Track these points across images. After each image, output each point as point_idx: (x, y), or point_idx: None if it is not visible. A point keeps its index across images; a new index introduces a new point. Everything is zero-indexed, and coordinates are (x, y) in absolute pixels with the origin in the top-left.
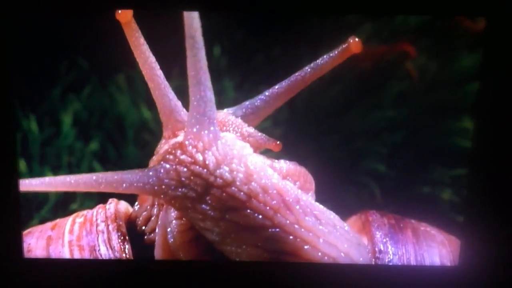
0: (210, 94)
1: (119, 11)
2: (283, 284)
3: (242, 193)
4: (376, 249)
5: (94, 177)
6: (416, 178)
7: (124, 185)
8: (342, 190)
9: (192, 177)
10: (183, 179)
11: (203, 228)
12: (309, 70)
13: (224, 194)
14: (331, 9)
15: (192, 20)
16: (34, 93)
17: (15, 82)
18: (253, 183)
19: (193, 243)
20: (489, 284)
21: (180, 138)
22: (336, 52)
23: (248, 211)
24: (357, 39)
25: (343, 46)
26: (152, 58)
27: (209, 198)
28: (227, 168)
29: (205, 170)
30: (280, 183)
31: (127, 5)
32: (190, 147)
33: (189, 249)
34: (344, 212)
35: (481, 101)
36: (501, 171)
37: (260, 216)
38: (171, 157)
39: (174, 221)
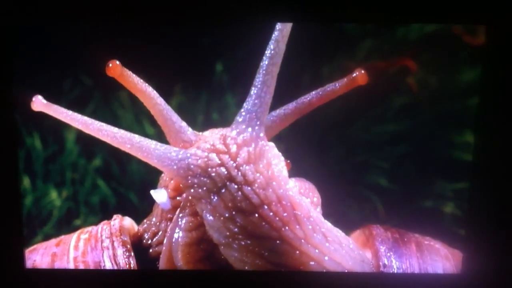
0: (268, 98)
1: (110, 65)
2: None
3: (256, 196)
4: (380, 263)
5: (130, 135)
6: (418, 192)
7: (154, 157)
8: (344, 204)
9: (217, 168)
10: (209, 169)
11: (212, 226)
12: (315, 95)
13: (239, 192)
14: (331, 18)
15: (285, 26)
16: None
17: (18, 100)
18: (270, 190)
19: (195, 247)
20: None
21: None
22: (343, 81)
23: (257, 217)
24: (363, 71)
25: (350, 76)
26: (149, 89)
27: (225, 194)
28: (253, 168)
29: (232, 162)
30: (296, 197)
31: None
32: (229, 139)
33: (188, 252)
34: (346, 227)
35: (481, 115)
36: (502, 184)
37: (267, 226)
38: (207, 145)
39: (185, 218)
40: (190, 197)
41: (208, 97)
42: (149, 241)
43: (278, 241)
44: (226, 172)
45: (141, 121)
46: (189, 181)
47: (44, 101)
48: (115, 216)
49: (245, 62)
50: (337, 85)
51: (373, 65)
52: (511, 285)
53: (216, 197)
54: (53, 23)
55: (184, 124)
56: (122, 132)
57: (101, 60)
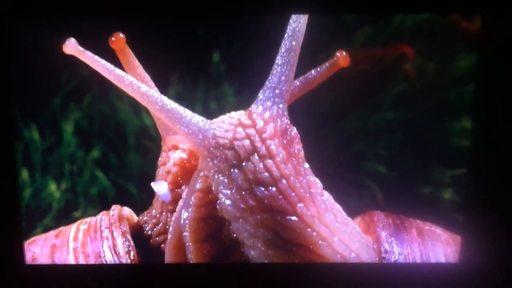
0: (291, 76)
1: (113, 38)
2: (291, 283)
3: (277, 170)
4: (382, 249)
5: (161, 96)
6: (417, 179)
7: (182, 122)
8: (343, 193)
9: (242, 140)
10: (235, 141)
11: (228, 199)
12: (298, 84)
13: (261, 164)
14: (328, 9)
15: None
16: (35, 102)
17: (16, 92)
18: (289, 166)
19: (203, 223)
20: (489, 282)
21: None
22: (324, 66)
23: (275, 190)
24: (344, 53)
25: (331, 60)
26: (147, 78)
27: (247, 166)
28: (277, 142)
29: (257, 135)
30: (311, 177)
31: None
32: (256, 115)
33: (196, 228)
34: (346, 215)
35: (478, 101)
36: (499, 170)
37: (284, 200)
38: (233, 120)
39: (196, 194)
40: (206, 171)
41: (205, 86)
42: (149, 232)
43: (292, 217)
44: (250, 145)
45: (138, 111)
46: (211, 153)
47: (79, 47)
48: (113, 207)
49: (242, 51)
50: (318, 69)
51: (370, 53)
52: (510, 272)
53: (236, 170)
54: (50, 15)
55: None
56: (152, 92)
57: (99, 51)
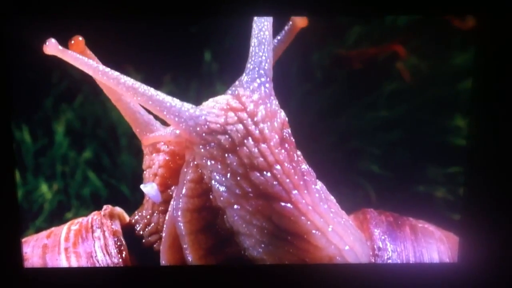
0: (271, 56)
1: (72, 41)
2: (286, 284)
3: (271, 154)
4: (375, 246)
5: (147, 87)
6: (410, 178)
7: (171, 111)
8: (337, 191)
9: (235, 124)
10: (227, 126)
11: (222, 184)
12: None
13: (256, 149)
14: (320, 12)
15: None
16: (27, 103)
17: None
18: (283, 151)
19: (196, 214)
20: (489, 281)
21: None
22: (283, 32)
23: (270, 176)
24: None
25: (289, 24)
26: None
27: (241, 150)
28: (269, 126)
29: (250, 119)
30: (304, 164)
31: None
32: (245, 98)
33: (190, 219)
34: None
35: (475, 99)
36: (497, 168)
37: (279, 187)
38: (223, 105)
39: (188, 184)
40: (196, 159)
41: (198, 86)
42: (141, 232)
43: (287, 204)
44: (244, 129)
45: None
46: (203, 139)
47: (59, 46)
48: (105, 206)
49: (234, 50)
50: (279, 38)
51: (364, 51)
52: (508, 270)
53: (231, 155)
54: (40, 17)
55: (151, 116)
56: (139, 84)
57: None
